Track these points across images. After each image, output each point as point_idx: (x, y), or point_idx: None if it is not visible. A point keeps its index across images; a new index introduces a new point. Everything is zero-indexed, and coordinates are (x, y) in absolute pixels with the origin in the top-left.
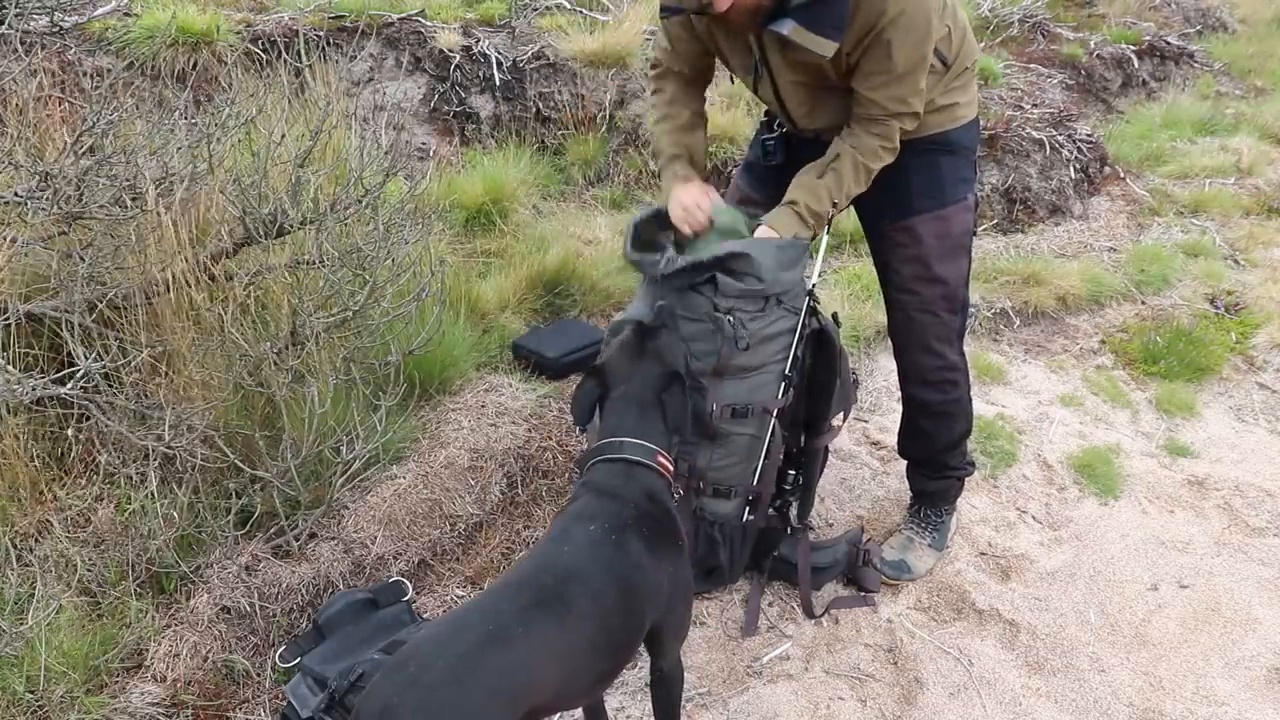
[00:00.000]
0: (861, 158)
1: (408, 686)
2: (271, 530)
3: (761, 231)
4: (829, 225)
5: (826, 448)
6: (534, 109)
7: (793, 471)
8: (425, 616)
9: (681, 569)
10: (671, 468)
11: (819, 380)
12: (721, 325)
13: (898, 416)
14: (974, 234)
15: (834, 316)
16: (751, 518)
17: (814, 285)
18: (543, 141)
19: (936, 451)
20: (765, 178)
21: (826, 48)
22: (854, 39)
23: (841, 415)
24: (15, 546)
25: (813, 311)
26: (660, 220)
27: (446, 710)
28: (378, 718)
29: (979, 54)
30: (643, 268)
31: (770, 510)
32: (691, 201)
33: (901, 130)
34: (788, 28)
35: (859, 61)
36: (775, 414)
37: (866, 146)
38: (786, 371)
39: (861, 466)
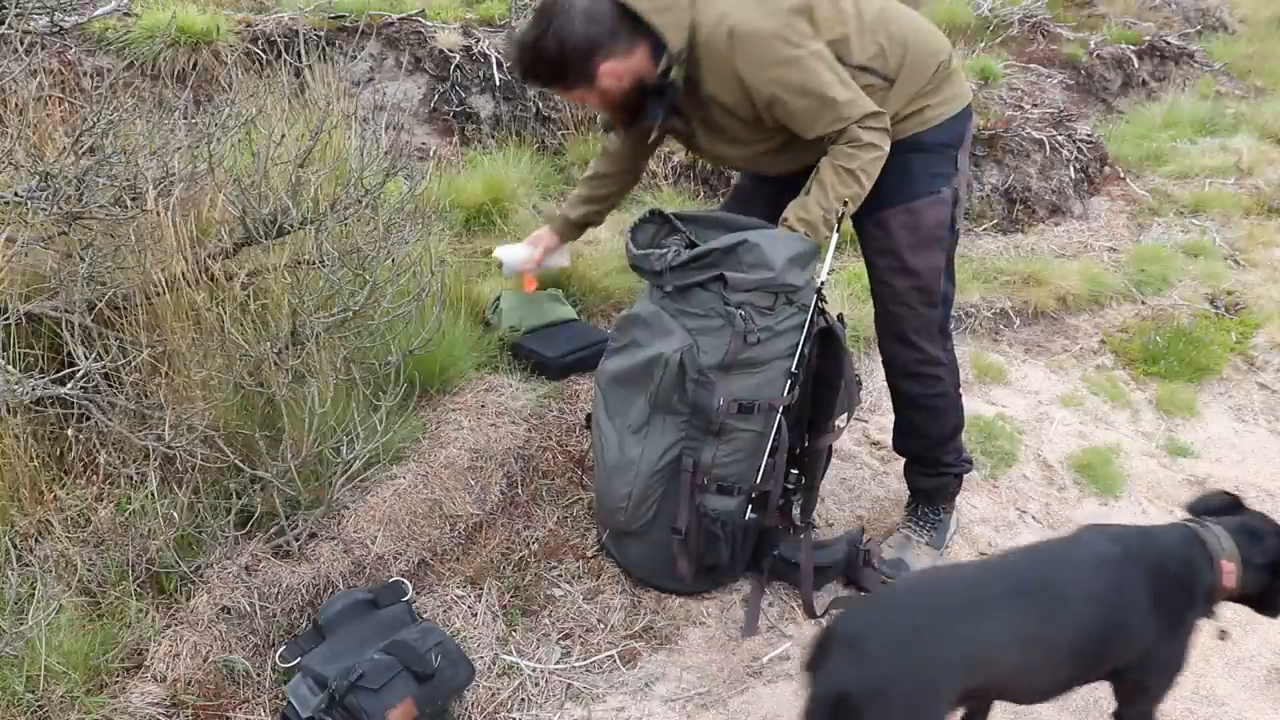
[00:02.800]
0: (837, 161)
1: (883, 614)
2: (271, 530)
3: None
4: (838, 226)
5: (830, 448)
6: (534, 109)
7: (795, 471)
8: (425, 616)
9: (1171, 649)
10: (1230, 584)
11: (824, 379)
12: (732, 319)
13: None
14: (953, 228)
15: (839, 317)
16: (754, 515)
17: (823, 284)
18: (543, 141)
19: (928, 446)
20: (765, 176)
21: (650, 124)
22: (754, 104)
23: (845, 416)
24: (15, 546)
25: (820, 310)
26: (656, 221)
27: (905, 643)
28: (849, 639)
29: (944, 55)
30: (643, 264)
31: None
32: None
33: (870, 127)
34: (655, 120)
35: (777, 119)
36: (781, 411)
37: (839, 151)
38: (793, 369)
39: (861, 466)
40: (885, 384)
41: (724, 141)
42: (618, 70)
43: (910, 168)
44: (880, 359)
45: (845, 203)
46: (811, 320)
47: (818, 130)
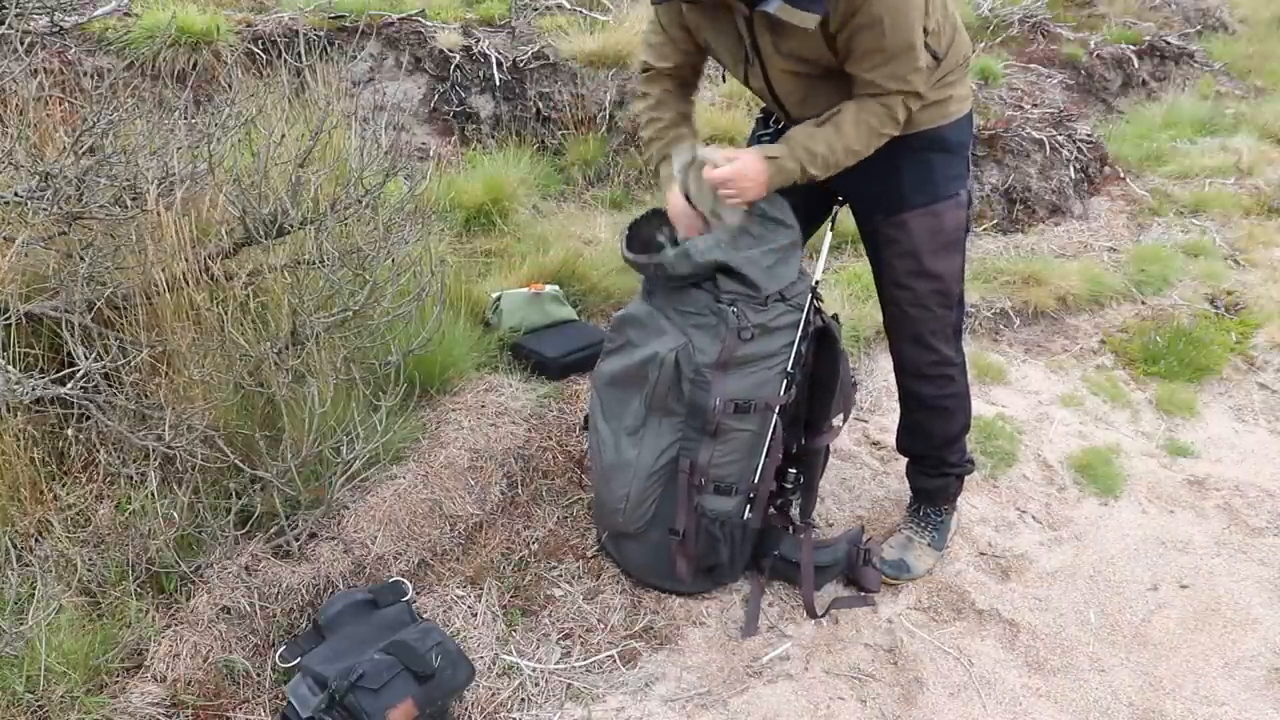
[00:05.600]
0: (864, 115)
1: None
2: (271, 530)
3: (750, 154)
4: (833, 222)
5: (828, 447)
6: (534, 109)
7: (793, 470)
8: (425, 616)
9: None
10: None
11: (821, 379)
12: (725, 315)
13: (898, 416)
14: (968, 231)
15: (835, 317)
16: (751, 515)
17: (818, 282)
18: (543, 141)
19: (935, 447)
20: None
21: (809, 20)
22: (842, 17)
23: (841, 416)
24: (15, 546)
25: (816, 310)
26: (658, 218)
27: None
28: None
29: (970, 50)
30: (639, 267)
31: (771, 509)
32: (683, 208)
33: (906, 108)
34: (773, 6)
35: (851, 44)
36: (777, 411)
37: (869, 108)
38: (789, 368)
39: (861, 466)
40: (884, 385)
41: (783, 55)
42: None
43: (933, 170)
44: (882, 360)
45: (838, 153)
46: (807, 319)
47: (874, 75)
